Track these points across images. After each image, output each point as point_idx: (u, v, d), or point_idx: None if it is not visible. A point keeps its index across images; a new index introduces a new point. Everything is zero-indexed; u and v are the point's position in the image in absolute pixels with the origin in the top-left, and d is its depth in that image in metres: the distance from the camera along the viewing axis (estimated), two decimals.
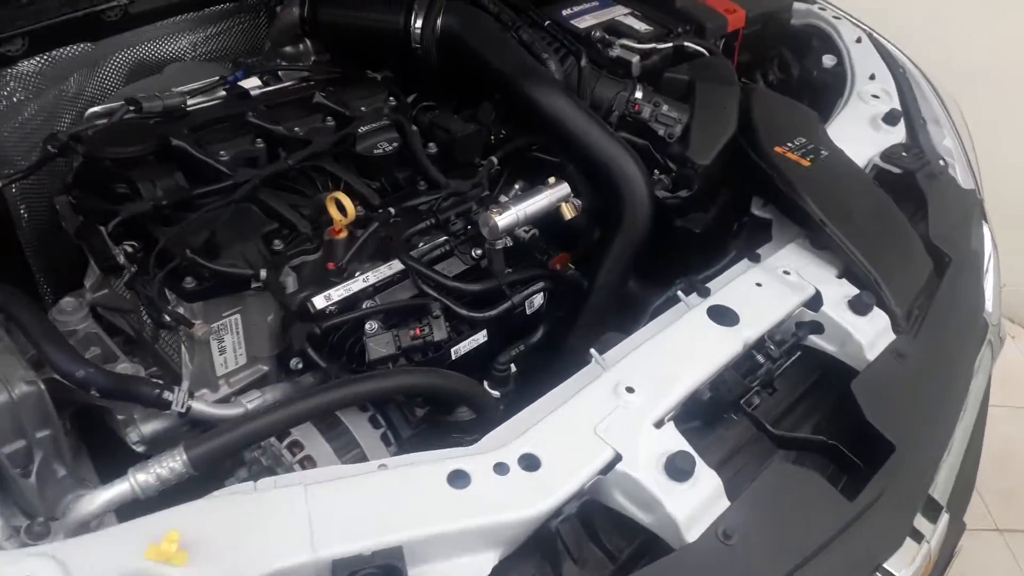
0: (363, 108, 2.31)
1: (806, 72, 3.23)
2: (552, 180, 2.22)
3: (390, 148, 2.21)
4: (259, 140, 2.13)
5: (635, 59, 2.67)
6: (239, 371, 2.10)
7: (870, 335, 1.98)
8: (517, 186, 2.38)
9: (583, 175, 2.36)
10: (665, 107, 2.51)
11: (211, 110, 2.21)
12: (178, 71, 2.49)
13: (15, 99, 2.29)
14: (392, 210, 2.17)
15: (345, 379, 1.76)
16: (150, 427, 1.92)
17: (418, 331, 1.91)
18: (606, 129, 2.28)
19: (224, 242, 1.95)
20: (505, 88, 2.35)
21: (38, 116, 2.33)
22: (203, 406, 1.91)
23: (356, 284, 2.05)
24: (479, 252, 2.14)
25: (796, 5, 3.31)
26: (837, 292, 2.08)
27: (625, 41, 2.69)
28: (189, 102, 2.21)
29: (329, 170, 2.18)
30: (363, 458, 1.94)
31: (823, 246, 2.22)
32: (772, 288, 2.09)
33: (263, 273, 1.88)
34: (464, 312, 1.97)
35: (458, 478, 1.36)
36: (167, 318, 1.84)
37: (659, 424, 1.65)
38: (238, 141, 2.11)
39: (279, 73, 2.47)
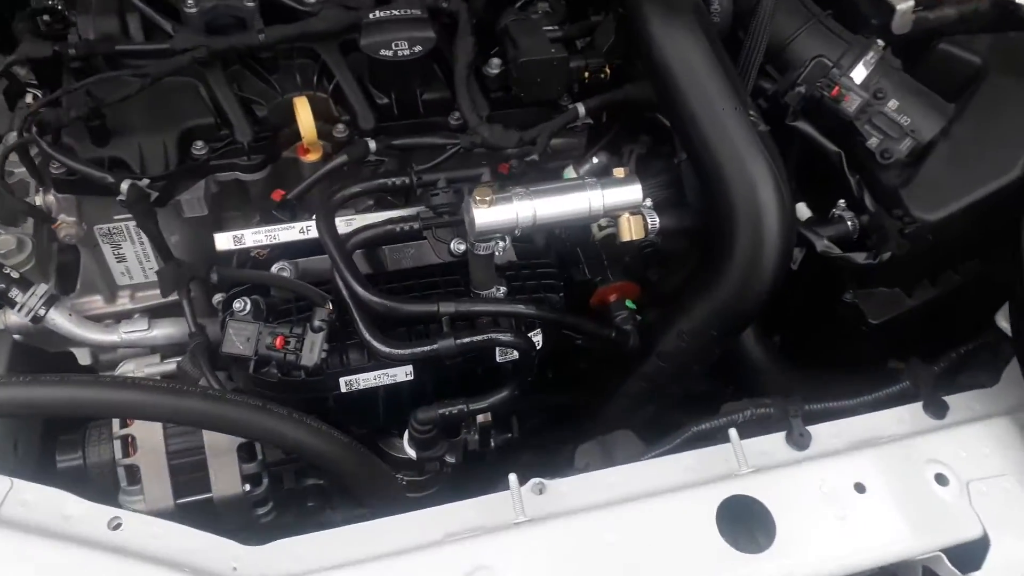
0: None
1: None
2: (620, 172, 1.36)
3: (408, 51, 1.48)
4: None
5: (904, 4, 1.56)
6: (148, 287, 1.63)
7: None
8: (595, 160, 1.54)
9: (698, 176, 1.45)
10: (893, 103, 1.45)
11: None
12: None
13: None
14: (372, 143, 1.48)
15: (204, 394, 1.22)
16: (11, 320, 1.55)
17: (280, 341, 1.27)
18: (742, 108, 1.34)
19: (121, 125, 1.43)
20: None
21: None
22: (59, 317, 1.49)
23: (286, 233, 1.44)
24: (460, 247, 1.39)
25: None
26: None
27: None
28: None
29: (326, 61, 1.52)
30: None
31: None
32: (895, 492, 1.12)
33: (125, 186, 1.33)
34: (366, 337, 1.27)
35: None
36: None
37: None
38: None
39: None
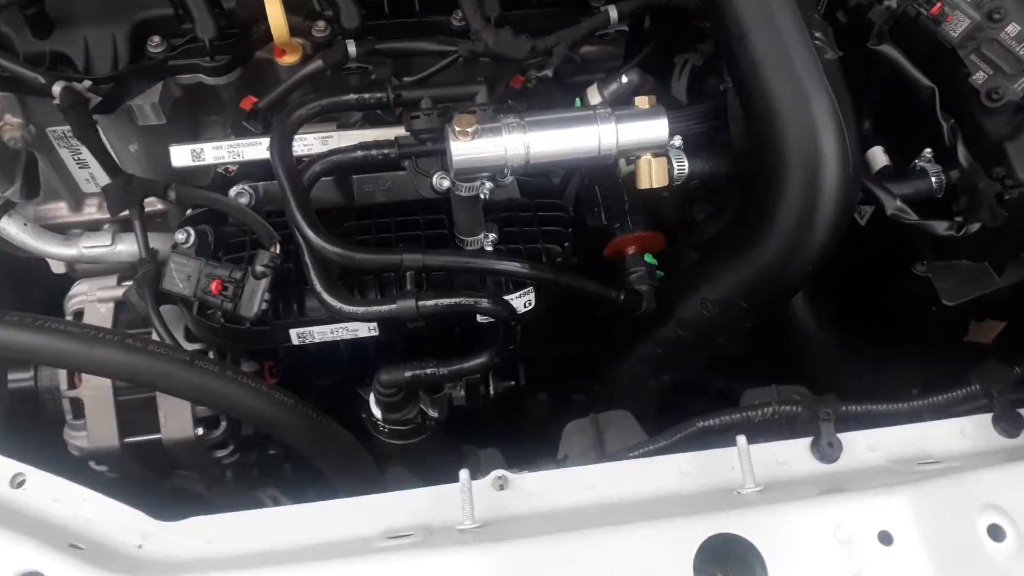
0: None
1: None
2: (644, 102, 1.09)
3: None
4: None
5: None
6: None
7: None
8: (624, 79, 1.26)
9: (744, 111, 1.16)
10: (1013, 28, 1.11)
11: None
12: None
13: None
14: (352, 46, 1.24)
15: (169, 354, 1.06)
16: None
17: (217, 285, 1.09)
18: (804, 26, 1.04)
19: (65, 14, 1.23)
20: None
21: None
22: (11, 227, 1.36)
23: (252, 149, 1.24)
24: (444, 184, 1.16)
25: None
26: None
27: None
28: None
29: None
30: None
31: None
32: (932, 546, 0.89)
33: (58, 88, 1.14)
34: (316, 288, 1.08)
35: None
36: None
37: None
38: None
39: None
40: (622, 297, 1.23)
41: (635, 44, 1.45)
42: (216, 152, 1.25)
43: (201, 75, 1.28)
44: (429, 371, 1.18)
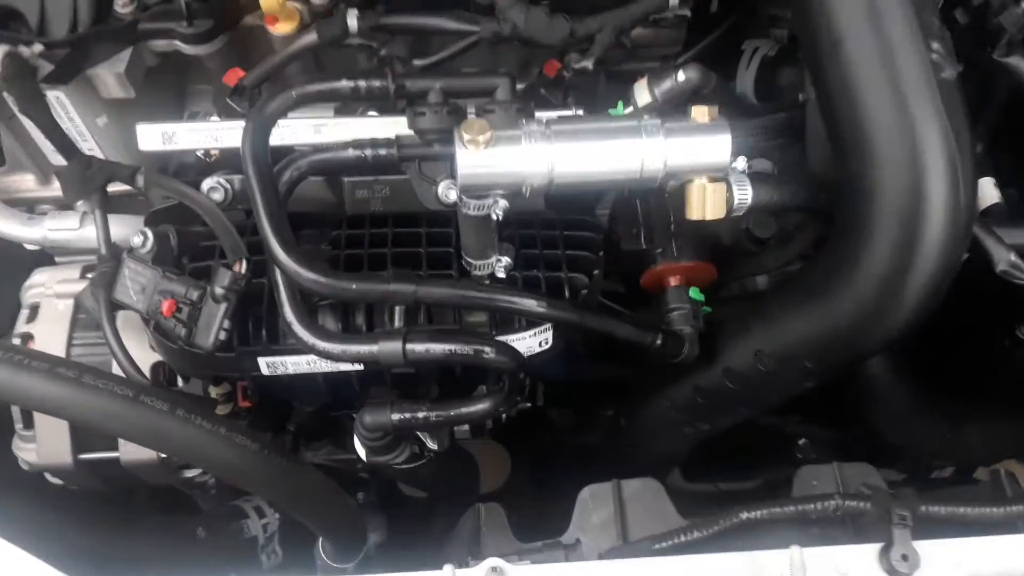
0: None
1: None
2: (703, 114, 0.87)
3: None
4: None
5: None
6: None
7: None
8: (681, 76, 1.02)
9: (829, 131, 0.93)
10: None
11: None
12: None
13: None
14: (353, 19, 1.03)
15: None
16: None
17: (169, 306, 0.91)
18: (919, 34, 0.81)
19: None
20: None
21: None
22: None
23: (231, 134, 1.05)
24: (452, 196, 0.95)
25: None
26: None
27: None
28: None
29: None
30: None
31: None
32: None
33: None
34: (287, 318, 0.89)
35: None
36: None
37: None
38: None
39: None
40: (659, 342, 1.02)
41: (698, 27, 1.22)
42: (192, 136, 1.06)
43: (178, 42, 1.09)
44: (421, 415, 0.99)
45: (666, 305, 1.07)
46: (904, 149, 0.81)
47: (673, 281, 1.08)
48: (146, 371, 1.06)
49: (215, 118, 1.15)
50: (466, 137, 0.85)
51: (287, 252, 0.86)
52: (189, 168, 1.13)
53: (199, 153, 1.12)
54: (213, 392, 1.09)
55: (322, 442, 1.47)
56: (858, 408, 1.34)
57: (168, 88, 1.23)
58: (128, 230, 1.16)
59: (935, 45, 0.81)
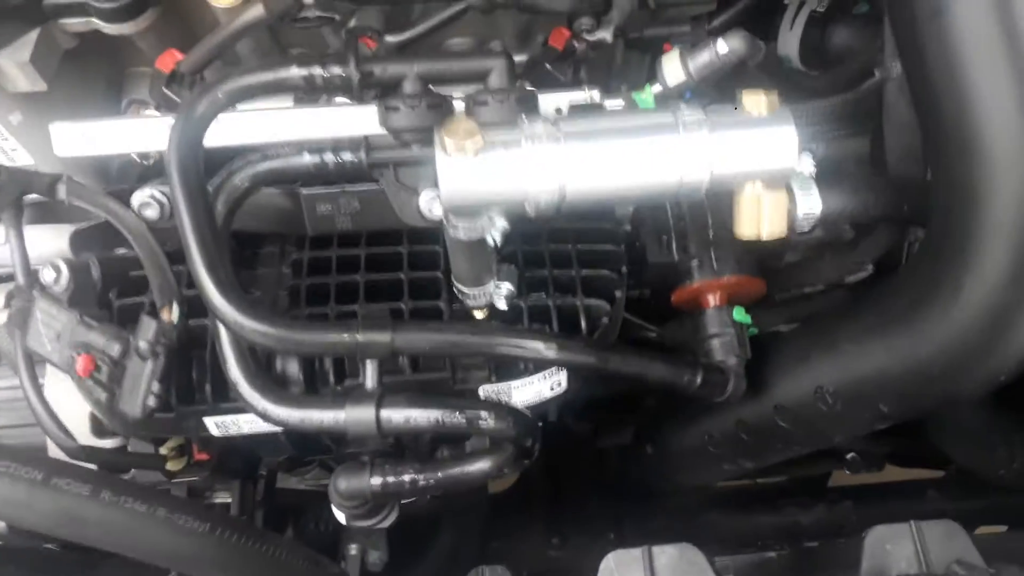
0: None
1: None
2: (761, 103, 0.67)
3: None
4: None
5: None
6: None
7: None
8: (721, 47, 0.81)
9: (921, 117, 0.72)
10: None
11: None
12: None
13: None
14: None
15: None
16: None
17: (85, 365, 0.72)
18: None
19: None
20: None
21: None
22: None
23: (162, 133, 0.84)
24: (437, 211, 0.74)
25: None
26: None
27: None
28: None
29: None
30: None
31: None
32: None
33: None
34: (231, 378, 0.70)
35: None
36: None
37: None
38: None
39: None
40: (699, 380, 0.83)
41: None
42: (116, 137, 0.86)
43: (95, 19, 0.88)
44: (407, 479, 0.80)
45: (705, 330, 0.88)
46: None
47: (713, 300, 0.88)
48: (85, 421, 0.89)
49: (152, 111, 0.95)
50: (449, 143, 0.65)
51: (225, 295, 0.67)
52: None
53: (134, 156, 0.92)
54: (162, 449, 0.91)
55: (308, 467, 1.30)
56: (923, 425, 1.15)
57: (98, 74, 1.03)
58: (51, 245, 0.97)
59: None
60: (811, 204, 0.71)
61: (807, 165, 0.71)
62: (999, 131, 0.62)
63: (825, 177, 0.74)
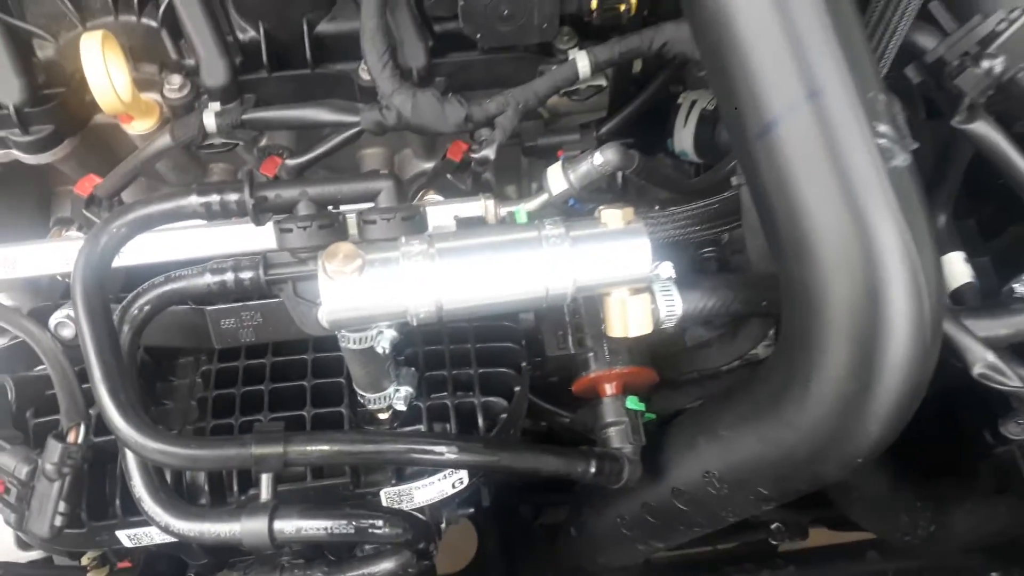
0: None
1: None
2: (615, 216, 0.74)
3: None
4: None
5: None
6: None
7: None
8: (597, 158, 0.88)
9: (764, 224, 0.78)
10: None
11: None
12: None
13: None
14: (210, 116, 0.89)
15: None
16: None
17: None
18: (859, 112, 0.66)
19: None
20: None
21: None
22: None
23: None
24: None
25: None
26: None
27: None
28: None
29: None
30: None
31: None
32: None
33: None
34: (136, 492, 0.73)
35: None
36: None
37: None
38: None
39: None
40: (593, 469, 0.88)
41: (622, 89, 1.08)
42: (36, 259, 0.91)
43: (15, 151, 0.94)
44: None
45: (602, 419, 0.93)
46: (852, 254, 0.67)
47: (609, 390, 0.93)
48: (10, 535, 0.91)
49: (74, 232, 1.00)
50: (329, 267, 0.70)
51: (124, 416, 0.71)
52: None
53: (57, 276, 0.97)
54: (83, 560, 0.94)
55: (247, 561, 1.31)
56: (831, 495, 1.20)
57: (27, 196, 1.08)
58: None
59: (882, 128, 0.67)
60: (672, 305, 0.77)
61: (666, 270, 0.77)
62: (827, 238, 0.69)
63: (686, 279, 0.80)
